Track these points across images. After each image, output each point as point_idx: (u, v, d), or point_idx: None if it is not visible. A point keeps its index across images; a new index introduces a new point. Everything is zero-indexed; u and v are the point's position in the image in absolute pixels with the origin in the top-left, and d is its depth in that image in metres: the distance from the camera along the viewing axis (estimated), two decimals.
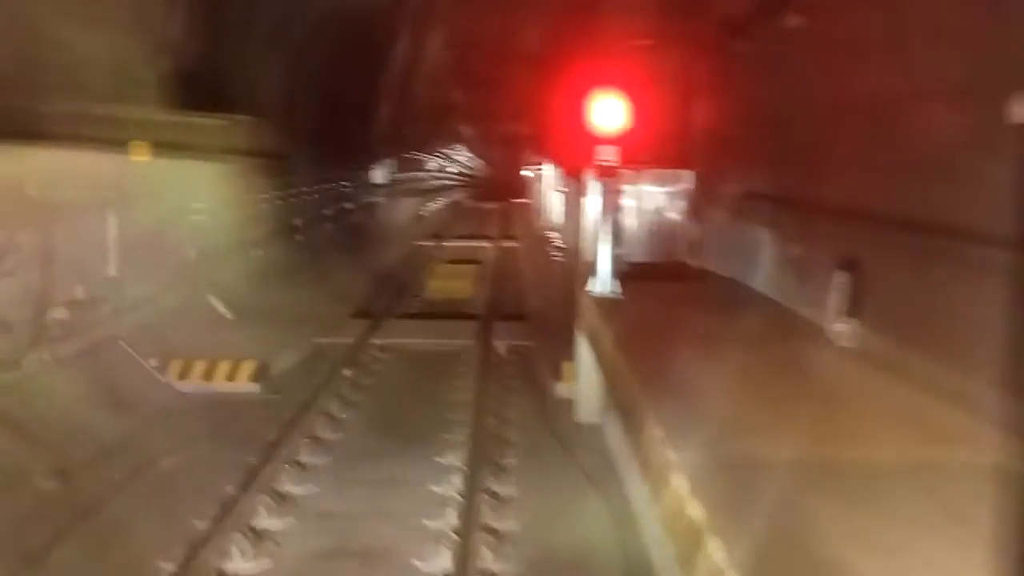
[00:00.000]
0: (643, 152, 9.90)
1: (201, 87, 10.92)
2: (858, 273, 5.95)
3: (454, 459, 7.41)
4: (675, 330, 6.82)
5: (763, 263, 7.99)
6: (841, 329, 5.90)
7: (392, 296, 14.91)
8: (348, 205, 22.82)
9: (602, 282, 7.88)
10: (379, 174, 27.76)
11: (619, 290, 7.94)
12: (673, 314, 7.50)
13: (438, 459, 7.48)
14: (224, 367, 9.55)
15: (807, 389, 5.12)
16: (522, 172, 46.73)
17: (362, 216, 24.72)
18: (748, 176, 8.76)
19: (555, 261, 17.96)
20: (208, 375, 9.45)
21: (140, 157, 9.56)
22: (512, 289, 16.14)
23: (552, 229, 23.43)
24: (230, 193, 13.78)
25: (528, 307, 13.42)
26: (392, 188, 29.82)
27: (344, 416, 8.62)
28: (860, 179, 6.14)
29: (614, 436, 7.75)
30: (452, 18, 21.57)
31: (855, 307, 5.91)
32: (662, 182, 11.53)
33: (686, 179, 11.40)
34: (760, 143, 8.19)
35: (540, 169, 32.14)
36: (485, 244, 24.09)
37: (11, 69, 7.43)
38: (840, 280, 5.92)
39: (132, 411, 8.42)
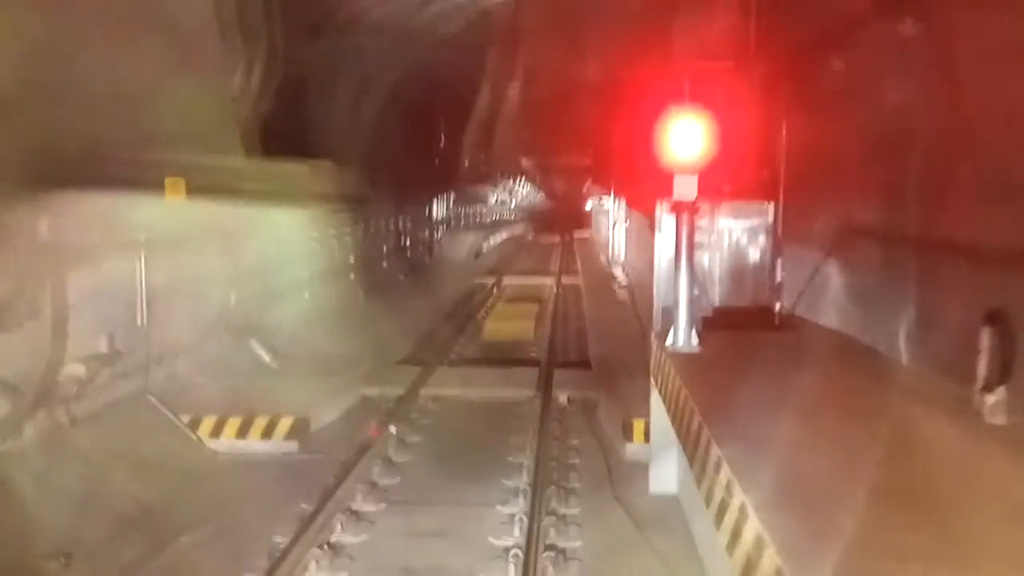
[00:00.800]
0: (721, 182, 8.84)
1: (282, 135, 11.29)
2: (1005, 329, 4.78)
3: (509, 539, 6.40)
4: (767, 393, 5.72)
5: (871, 312, 6.82)
6: (989, 401, 4.73)
7: (447, 339, 14.01)
8: (408, 241, 22.19)
9: (680, 334, 6.82)
10: (440, 208, 27.18)
11: (698, 343, 6.86)
12: (764, 373, 6.38)
13: (492, 540, 6.47)
14: (260, 423, 8.73)
15: (960, 487, 3.97)
16: (583, 205, 45.92)
17: (423, 252, 24.09)
18: (847, 208, 7.61)
19: (620, 301, 16.89)
20: (243, 432, 8.65)
21: (175, 197, 8.89)
22: (575, 331, 15.12)
23: (616, 265, 22.39)
24: (291, 234, 13.25)
25: (592, 352, 12.37)
26: (453, 222, 29.21)
27: (387, 483, 7.68)
28: (1002, 212, 4.99)
29: (695, 515, 6.65)
30: (525, 55, 20.93)
31: (1004, 372, 4.74)
32: (740, 215, 10.43)
33: (768, 212, 10.29)
34: (864, 170, 7.06)
35: (602, 202, 31.21)
36: (546, 280, 23.14)
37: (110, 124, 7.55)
38: (987, 338, 4.75)
39: (156, 476, 7.61)
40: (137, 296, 8.52)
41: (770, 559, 3.26)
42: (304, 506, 7.01)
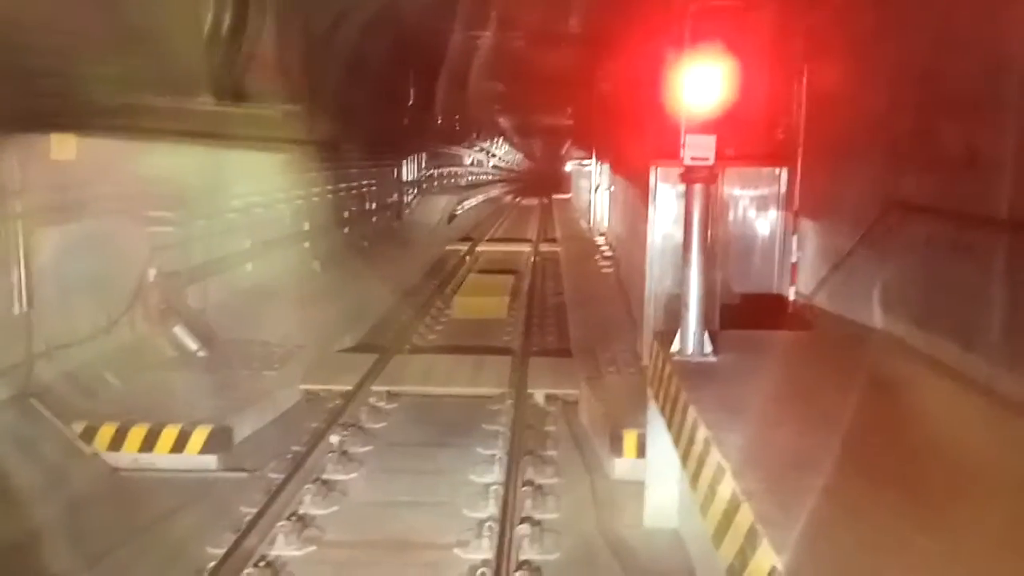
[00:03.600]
0: (725, 144, 7.35)
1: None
2: None
3: None
4: (806, 423, 4.29)
5: (935, 311, 5.36)
6: None
7: (410, 318, 12.46)
8: (373, 205, 20.57)
9: (690, 340, 5.33)
10: (411, 169, 25.52)
11: (713, 351, 5.38)
12: (799, 390, 4.95)
13: None
14: (172, 432, 7.17)
15: None
16: (564, 167, 44.32)
17: (389, 217, 22.45)
18: (894, 177, 6.12)
19: (603, 274, 15.40)
20: (149, 443, 7.10)
21: (63, 155, 7.25)
22: (554, 309, 13.61)
23: (598, 233, 20.90)
24: (236, 195, 11.72)
25: (573, 337, 10.88)
26: (425, 184, 27.54)
27: (320, 514, 6.18)
28: None
29: (701, 557, 5.26)
30: (499, 3, 19.12)
31: None
32: (747, 184, 8.92)
33: (780, 180, 8.77)
34: (923, 129, 5.56)
35: (584, 164, 29.63)
36: (523, 248, 21.57)
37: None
38: None
39: (32, 502, 6.07)
40: (15, 276, 6.92)
41: None
42: (210, 550, 5.52)
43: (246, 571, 5.21)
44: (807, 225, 8.25)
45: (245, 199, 11.90)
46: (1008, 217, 4.54)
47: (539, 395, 8.76)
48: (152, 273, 8.96)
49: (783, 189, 8.67)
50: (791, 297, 8.19)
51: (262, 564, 5.33)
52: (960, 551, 2.89)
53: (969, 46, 4.95)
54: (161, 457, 7.03)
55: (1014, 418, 4.19)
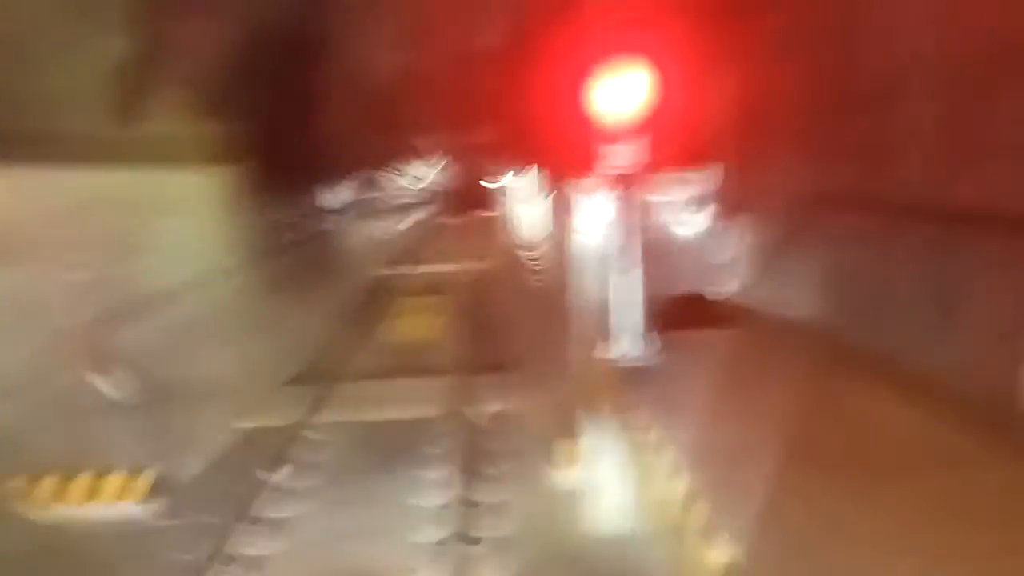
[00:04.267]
0: (657, 148, 7.48)
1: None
2: None
3: None
4: (744, 419, 4.38)
5: (859, 301, 5.54)
6: None
7: (344, 347, 12.28)
8: (297, 236, 20.25)
9: (624, 344, 5.39)
10: (334, 197, 25.25)
11: (650, 354, 5.45)
12: (735, 386, 5.05)
13: None
14: (104, 481, 6.92)
15: None
16: (486, 183, 44.35)
17: (316, 246, 22.14)
18: (818, 169, 6.32)
19: (534, 287, 15.47)
20: (77, 494, 6.82)
21: None
22: (487, 325, 13.58)
23: (525, 247, 20.99)
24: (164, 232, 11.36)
25: (508, 352, 10.87)
26: (350, 211, 27.27)
27: (262, 554, 6.02)
28: None
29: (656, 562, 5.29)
30: (399, 15, 18.95)
31: None
32: (671, 185, 9.05)
33: (704, 180, 8.93)
34: (845, 124, 5.75)
35: (507, 179, 29.76)
36: (452, 268, 21.49)
37: None
38: None
39: None
40: None
41: None
42: None
43: None
44: (735, 223, 8.43)
45: (179, 231, 11.61)
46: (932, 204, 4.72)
47: (479, 412, 8.71)
48: (85, 313, 8.63)
49: (708, 190, 8.85)
50: (719, 297, 8.36)
51: None
52: (899, 527, 2.99)
53: (888, 45, 5.14)
54: (100, 507, 6.77)
55: (936, 399, 4.35)
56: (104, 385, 8.92)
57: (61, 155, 7.76)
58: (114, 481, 6.99)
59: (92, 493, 6.89)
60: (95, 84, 9.16)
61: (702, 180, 8.58)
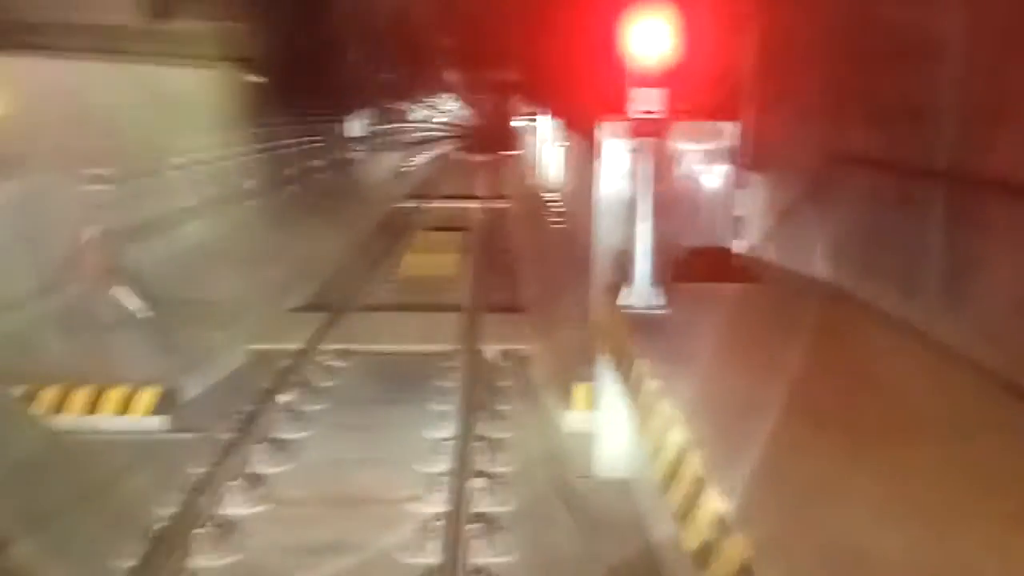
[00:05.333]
0: (680, 98, 7.30)
1: None
2: None
3: (428, 556, 5.01)
4: (755, 372, 4.36)
5: (877, 261, 5.47)
6: None
7: (359, 277, 12.34)
8: (317, 162, 20.22)
9: (639, 292, 5.37)
10: (356, 126, 25.09)
11: (663, 303, 5.43)
12: (747, 341, 5.03)
13: (398, 557, 5.07)
14: (116, 395, 7.05)
15: None
16: (513, 123, 43.95)
17: (335, 174, 22.10)
18: (839, 131, 6.19)
19: (554, 230, 15.41)
20: (93, 406, 6.96)
21: None
22: (504, 266, 13.59)
23: (550, 189, 20.85)
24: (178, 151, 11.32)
25: (525, 294, 10.91)
26: (371, 141, 27.12)
27: (270, 472, 6.15)
28: None
29: (655, 514, 5.35)
30: None
31: None
32: (693, 138, 8.91)
33: (727, 134, 8.79)
34: (868, 82, 5.61)
35: (534, 120, 29.42)
36: (473, 205, 21.42)
37: None
38: None
39: None
40: None
41: None
42: (159, 510, 5.46)
43: (208, 526, 5.18)
44: (754, 179, 8.30)
45: (194, 152, 11.62)
46: (946, 169, 4.63)
47: (491, 351, 8.77)
48: (90, 233, 8.69)
49: (731, 143, 8.70)
50: (738, 250, 8.27)
51: (213, 528, 5.28)
52: (899, 489, 2.99)
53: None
54: (105, 419, 6.89)
55: (950, 362, 4.32)
56: (116, 300, 9.01)
57: (88, 47, 7.65)
58: (120, 393, 7.09)
59: (97, 404, 7.01)
60: None
61: (725, 133, 8.42)
